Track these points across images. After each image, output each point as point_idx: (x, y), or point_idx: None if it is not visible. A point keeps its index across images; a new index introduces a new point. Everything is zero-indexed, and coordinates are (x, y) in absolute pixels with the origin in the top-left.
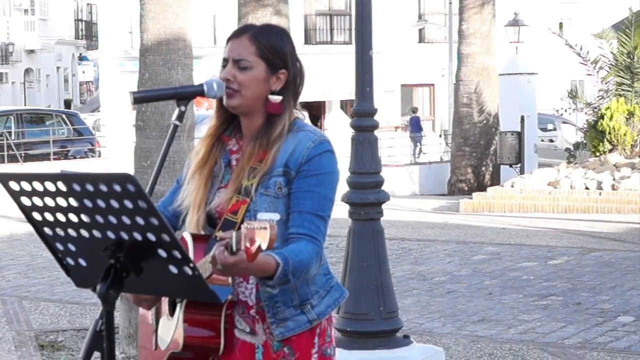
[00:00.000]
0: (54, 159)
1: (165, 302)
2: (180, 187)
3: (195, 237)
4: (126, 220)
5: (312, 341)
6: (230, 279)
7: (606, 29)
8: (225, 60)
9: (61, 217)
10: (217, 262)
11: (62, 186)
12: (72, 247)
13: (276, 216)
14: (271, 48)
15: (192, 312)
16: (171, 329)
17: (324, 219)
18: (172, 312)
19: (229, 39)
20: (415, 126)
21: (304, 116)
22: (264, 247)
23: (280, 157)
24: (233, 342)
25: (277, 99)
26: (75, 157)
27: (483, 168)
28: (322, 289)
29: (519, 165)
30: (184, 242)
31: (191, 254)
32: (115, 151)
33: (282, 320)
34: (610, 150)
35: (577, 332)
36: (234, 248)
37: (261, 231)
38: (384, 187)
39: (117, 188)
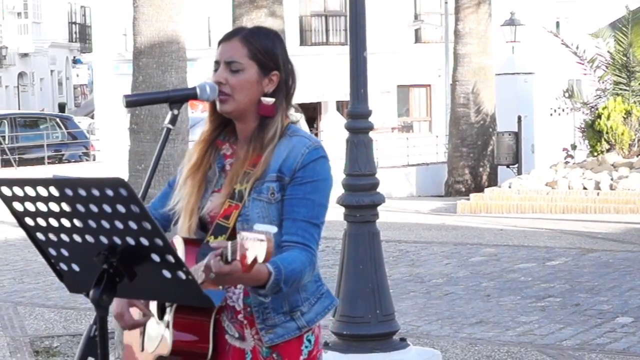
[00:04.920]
0: (48, 163)
1: (153, 303)
2: (172, 190)
3: (187, 241)
4: (119, 224)
5: (300, 348)
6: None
7: (602, 27)
8: (217, 63)
9: (54, 222)
10: (210, 270)
11: (54, 191)
12: (65, 253)
13: (274, 229)
14: (263, 49)
15: (182, 317)
16: (159, 332)
17: (318, 226)
18: (160, 314)
19: (220, 42)
20: None
21: (301, 116)
22: (260, 259)
23: (274, 162)
24: (226, 348)
25: (269, 100)
26: (69, 161)
27: (480, 169)
28: (312, 296)
29: (516, 165)
30: (174, 247)
31: (182, 259)
32: (110, 155)
33: (271, 327)
34: (608, 150)
35: (575, 334)
36: (229, 258)
37: (257, 243)
38: (380, 189)
39: (110, 192)
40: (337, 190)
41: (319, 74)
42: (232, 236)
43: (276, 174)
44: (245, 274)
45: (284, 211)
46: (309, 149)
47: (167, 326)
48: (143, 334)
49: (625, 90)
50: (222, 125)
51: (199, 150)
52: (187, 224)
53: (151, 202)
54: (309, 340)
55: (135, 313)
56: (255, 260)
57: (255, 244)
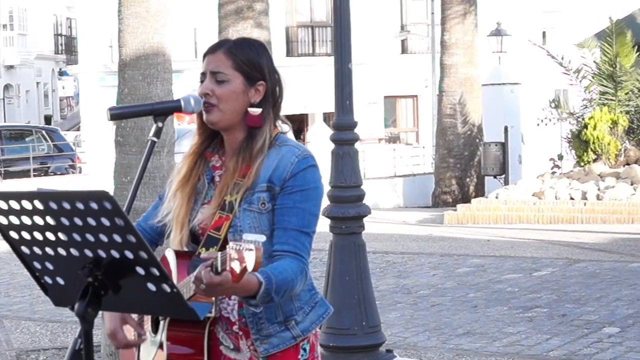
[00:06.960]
0: (34, 175)
1: (147, 319)
2: (162, 202)
3: (178, 254)
4: (103, 237)
5: (297, 357)
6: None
7: (588, 38)
8: (203, 75)
9: (38, 235)
10: (201, 282)
11: (38, 204)
12: (49, 266)
13: (262, 237)
14: (247, 61)
15: (175, 330)
16: (154, 346)
17: (309, 235)
18: (154, 327)
19: (205, 55)
20: None
21: (288, 127)
22: (249, 269)
23: (264, 172)
24: (220, 359)
25: (256, 111)
26: (55, 174)
27: (467, 179)
28: (306, 305)
29: (503, 176)
30: (166, 261)
31: (174, 272)
32: (96, 167)
33: (266, 337)
34: (594, 160)
35: (562, 344)
36: (219, 268)
37: (247, 252)
38: (367, 200)
39: (94, 205)
40: (323, 201)
41: (305, 85)
42: (224, 247)
43: (266, 184)
44: (235, 284)
45: (275, 221)
46: (298, 158)
47: (162, 339)
48: (138, 346)
49: (612, 100)
50: (211, 137)
51: (188, 162)
52: (178, 236)
53: (143, 215)
54: (305, 349)
55: (129, 332)
56: (244, 270)
57: (245, 254)
